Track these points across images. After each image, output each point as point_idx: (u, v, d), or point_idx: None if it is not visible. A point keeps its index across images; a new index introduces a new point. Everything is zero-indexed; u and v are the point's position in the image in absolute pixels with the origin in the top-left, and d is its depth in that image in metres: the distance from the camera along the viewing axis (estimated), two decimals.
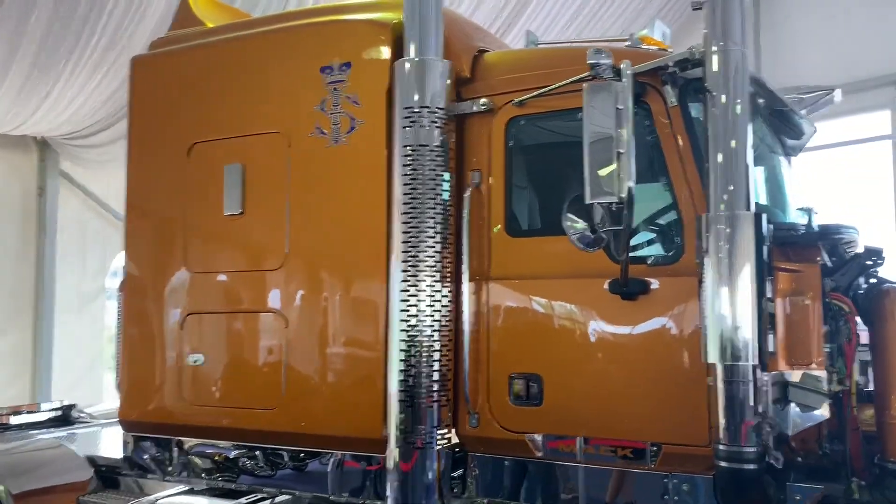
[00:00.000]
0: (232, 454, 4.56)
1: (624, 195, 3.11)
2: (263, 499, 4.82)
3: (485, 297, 3.93)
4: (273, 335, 4.33)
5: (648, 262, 3.62)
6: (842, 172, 8.63)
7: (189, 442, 4.72)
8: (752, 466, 3.07)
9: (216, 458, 4.65)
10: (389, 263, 3.91)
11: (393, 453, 3.83)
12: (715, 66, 3.27)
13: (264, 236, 4.36)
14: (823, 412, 3.33)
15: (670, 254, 3.60)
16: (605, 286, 3.60)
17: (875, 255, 3.61)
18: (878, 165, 8.99)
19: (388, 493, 3.85)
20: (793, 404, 3.38)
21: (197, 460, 4.72)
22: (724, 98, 3.25)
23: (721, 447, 3.13)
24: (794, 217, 4.10)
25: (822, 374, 3.27)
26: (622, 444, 3.58)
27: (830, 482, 3.39)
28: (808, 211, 3.78)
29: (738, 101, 3.24)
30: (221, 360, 4.49)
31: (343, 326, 4.16)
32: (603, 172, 3.15)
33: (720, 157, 3.24)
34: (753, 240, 3.12)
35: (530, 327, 3.84)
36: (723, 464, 3.13)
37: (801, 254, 3.42)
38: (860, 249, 3.75)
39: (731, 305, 3.10)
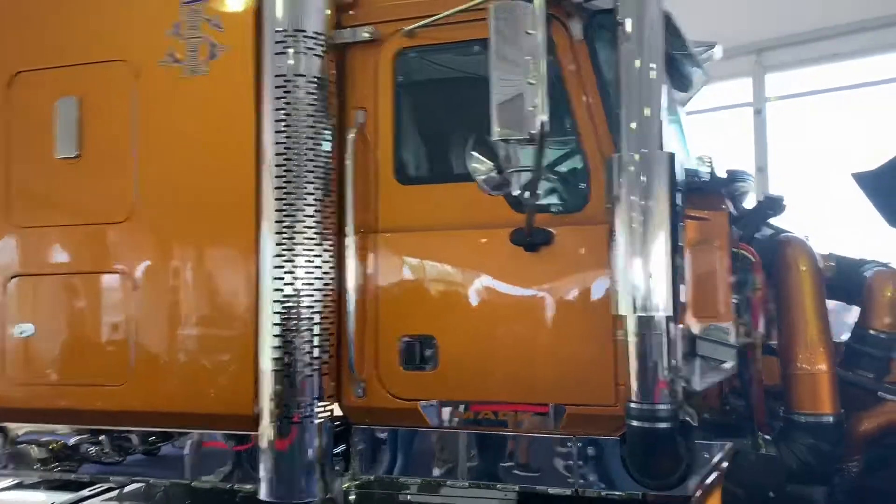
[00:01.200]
0: (71, 441, 3.90)
1: (535, 131, 2.77)
2: (110, 489, 4.20)
3: (372, 251, 3.51)
4: (119, 300, 3.70)
5: (552, 210, 3.33)
6: (704, 139, 8.83)
7: (17, 428, 4.00)
8: (665, 425, 2.87)
9: (52, 446, 3.97)
10: (260, 215, 3.41)
11: (266, 430, 3.36)
12: None
13: (106, 183, 3.71)
14: (732, 366, 3.18)
15: (575, 201, 3.32)
16: (507, 237, 3.28)
17: (775, 204, 3.51)
18: (740, 132, 9.30)
19: (262, 474, 3.37)
20: (699, 360, 3.20)
21: (28, 449, 4.01)
22: (635, 30, 2.97)
23: (633, 405, 2.90)
24: (693, 165, 3.94)
25: (730, 326, 3.11)
26: (524, 408, 3.30)
27: (737, 438, 3.26)
28: (708, 159, 3.62)
29: (652, 33, 2.98)
30: (56, 331, 3.81)
31: (205, 288, 3.60)
32: (511, 106, 2.79)
33: (631, 95, 2.97)
34: (668, 182, 2.88)
35: (422, 284, 3.46)
36: (634, 423, 2.91)
37: (707, 201, 3.24)
38: (760, 199, 3.65)
39: (643, 253, 2.86)
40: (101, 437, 3.85)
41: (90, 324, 3.78)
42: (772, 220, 3.70)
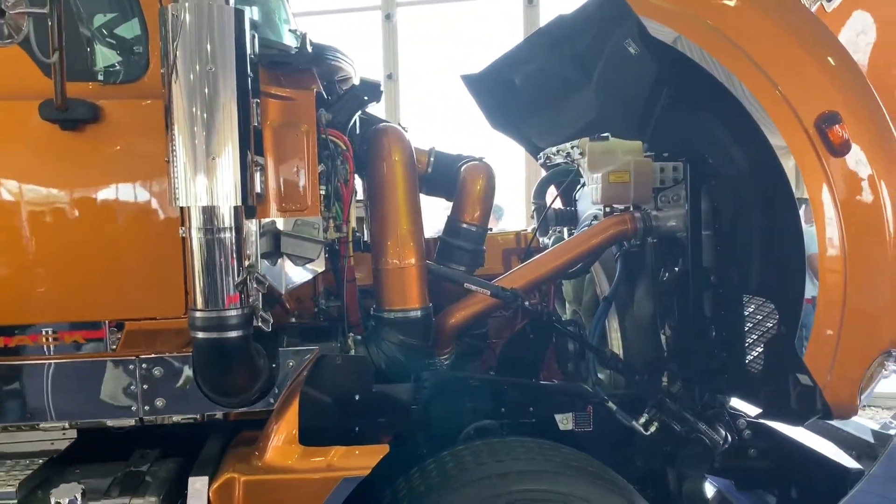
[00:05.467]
0: None
1: None
2: None
3: None
4: None
5: (100, 78, 2.64)
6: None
7: None
8: (236, 334, 2.45)
9: None
10: None
11: None
12: None
13: None
14: (320, 265, 2.87)
15: (130, 68, 2.67)
16: (35, 111, 2.53)
17: (371, 89, 3.22)
18: (369, 38, 9.17)
19: None
20: (286, 259, 2.83)
21: None
22: None
23: (197, 314, 2.43)
24: (286, 40, 3.49)
25: (318, 220, 2.76)
26: (71, 329, 2.65)
27: (326, 341, 3.00)
28: (302, 34, 3.19)
29: None
30: None
31: None
32: None
33: None
34: (235, 45, 2.38)
35: None
36: (200, 334, 2.44)
37: (294, 79, 2.81)
38: (356, 82, 3.34)
39: (203, 130, 2.34)
40: None
41: None
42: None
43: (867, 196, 2.62)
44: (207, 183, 2.35)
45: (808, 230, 2.64)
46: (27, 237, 2.61)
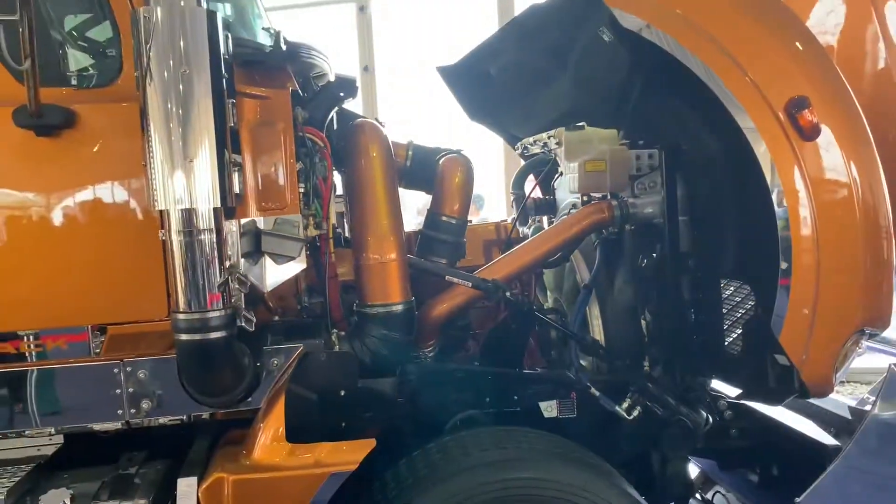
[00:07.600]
0: None
1: None
2: None
3: None
4: None
5: (73, 83, 2.63)
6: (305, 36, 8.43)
7: None
8: (219, 334, 2.46)
9: None
10: None
11: None
12: None
13: None
14: (301, 262, 2.88)
15: (103, 72, 2.66)
16: (9, 118, 2.51)
17: (347, 86, 3.22)
18: (344, 29, 9.09)
19: None
20: (267, 258, 2.84)
21: None
22: None
23: (180, 316, 2.43)
24: (260, 38, 3.49)
25: (298, 218, 2.77)
26: (53, 335, 2.65)
27: (310, 338, 3.00)
28: (276, 32, 3.19)
29: None
30: None
31: None
32: None
33: None
34: (208, 46, 2.37)
35: None
36: (183, 336, 2.45)
37: (269, 77, 2.81)
38: (332, 79, 3.34)
39: (180, 132, 2.34)
40: None
41: None
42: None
43: (838, 178, 2.68)
44: (185, 185, 2.36)
45: (781, 212, 2.69)
46: (5, 244, 2.60)
